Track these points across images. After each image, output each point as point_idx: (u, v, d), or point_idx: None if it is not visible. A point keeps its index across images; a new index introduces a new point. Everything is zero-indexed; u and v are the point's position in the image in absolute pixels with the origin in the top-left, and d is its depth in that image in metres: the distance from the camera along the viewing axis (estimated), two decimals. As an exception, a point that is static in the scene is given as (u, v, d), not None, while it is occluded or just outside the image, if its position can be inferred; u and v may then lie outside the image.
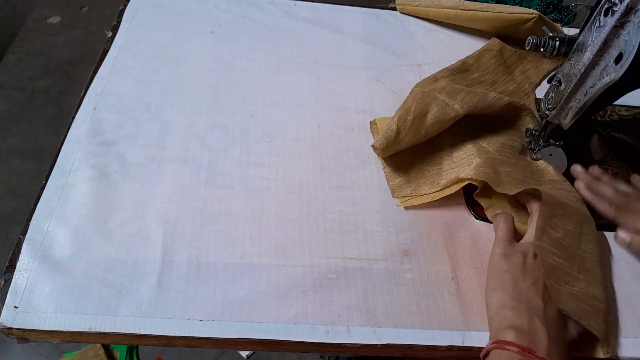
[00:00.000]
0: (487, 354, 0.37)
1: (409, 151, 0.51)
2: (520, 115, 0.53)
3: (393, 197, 0.49)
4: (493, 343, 0.36)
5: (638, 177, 0.51)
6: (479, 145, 0.51)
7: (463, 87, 0.51)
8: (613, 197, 0.47)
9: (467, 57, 0.58)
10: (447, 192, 0.48)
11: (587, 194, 0.48)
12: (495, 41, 0.58)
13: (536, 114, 0.53)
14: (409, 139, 0.49)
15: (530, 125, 0.52)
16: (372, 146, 0.51)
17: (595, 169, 0.51)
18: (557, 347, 0.36)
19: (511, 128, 0.53)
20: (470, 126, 0.53)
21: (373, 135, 0.54)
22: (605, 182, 0.49)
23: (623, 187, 0.49)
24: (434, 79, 0.54)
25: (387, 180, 0.50)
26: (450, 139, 0.52)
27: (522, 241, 0.43)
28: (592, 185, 0.49)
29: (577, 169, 0.51)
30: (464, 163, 0.49)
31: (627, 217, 0.46)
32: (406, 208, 0.48)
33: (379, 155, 0.52)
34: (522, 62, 0.58)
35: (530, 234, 0.43)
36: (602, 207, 0.47)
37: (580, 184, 0.49)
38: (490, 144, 0.51)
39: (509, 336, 0.35)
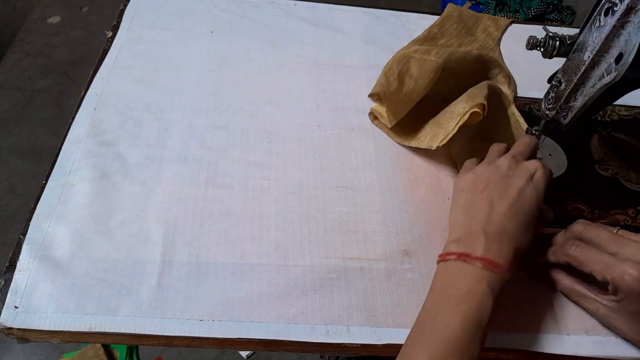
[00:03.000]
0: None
1: (406, 118, 0.54)
2: (489, 68, 0.57)
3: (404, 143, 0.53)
4: (438, 257, 0.39)
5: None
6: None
7: (435, 46, 0.56)
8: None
9: (430, 26, 0.63)
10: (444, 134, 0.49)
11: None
12: (452, 6, 0.63)
13: (504, 66, 0.57)
14: (399, 93, 0.53)
15: (500, 76, 0.57)
16: (369, 95, 0.58)
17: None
18: (496, 244, 0.36)
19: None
20: (451, 95, 0.55)
21: (376, 121, 0.56)
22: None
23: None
24: (406, 49, 0.57)
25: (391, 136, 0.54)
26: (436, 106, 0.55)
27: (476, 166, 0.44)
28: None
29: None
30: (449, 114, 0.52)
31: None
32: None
33: (375, 117, 0.56)
34: (481, 21, 0.64)
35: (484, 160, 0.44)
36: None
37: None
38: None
39: (451, 248, 0.38)
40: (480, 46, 0.61)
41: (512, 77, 0.57)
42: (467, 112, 0.47)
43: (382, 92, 0.53)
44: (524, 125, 0.53)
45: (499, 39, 0.62)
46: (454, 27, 0.62)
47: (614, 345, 0.41)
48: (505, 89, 0.56)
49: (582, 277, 0.41)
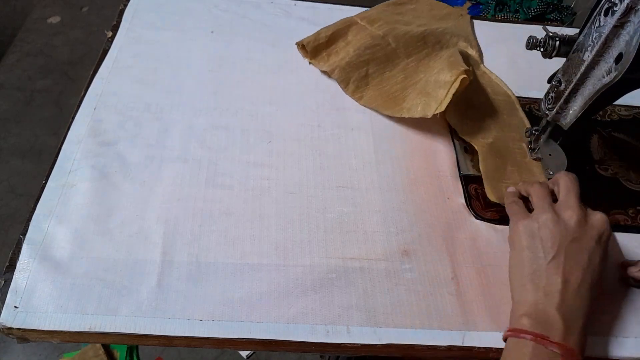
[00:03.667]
0: (505, 340, 0.37)
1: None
2: (446, 39, 0.60)
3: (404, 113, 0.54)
4: (508, 331, 0.36)
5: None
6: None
7: (385, 17, 0.60)
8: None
9: None
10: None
11: None
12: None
13: (462, 33, 0.62)
14: (322, 50, 0.59)
15: (461, 41, 0.60)
16: (297, 44, 0.62)
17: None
18: (573, 329, 0.34)
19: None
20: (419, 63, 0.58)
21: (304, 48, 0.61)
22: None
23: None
24: (362, 13, 0.62)
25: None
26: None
27: (534, 212, 0.40)
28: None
29: None
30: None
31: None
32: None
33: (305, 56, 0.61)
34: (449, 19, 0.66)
35: (538, 205, 0.41)
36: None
37: None
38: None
39: (524, 323, 0.35)
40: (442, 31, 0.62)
41: (474, 38, 0.61)
42: (456, 79, 0.49)
43: (306, 43, 0.60)
44: (502, 85, 0.57)
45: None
46: (426, 10, 0.65)
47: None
48: (470, 50, 0.60)
49: None
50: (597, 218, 0.39)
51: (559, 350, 0.33)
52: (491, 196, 0.48)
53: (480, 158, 0.50)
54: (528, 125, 0.54)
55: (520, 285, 0.38)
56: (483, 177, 0.49)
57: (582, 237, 0.37)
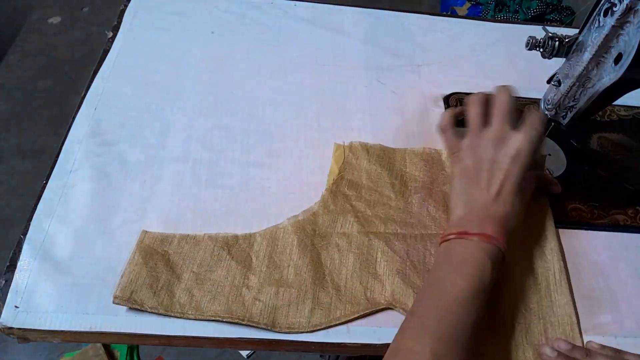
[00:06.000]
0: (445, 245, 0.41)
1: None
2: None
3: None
4: (440, 240, 0.41)
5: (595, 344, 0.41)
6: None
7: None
8: None
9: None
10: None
11: None
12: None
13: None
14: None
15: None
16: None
17: (593, 344, 0.41)
18: (490, 222, 0.39)
19: None
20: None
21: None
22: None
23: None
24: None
25: None
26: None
27: (463, 140, 0.45)
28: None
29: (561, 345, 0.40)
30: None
31: None
32: None
33: None
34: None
35: (469, 128, 0.45)
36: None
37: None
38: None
39: (451, 229, 0.40)
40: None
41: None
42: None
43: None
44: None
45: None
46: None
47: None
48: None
49: None
50: (515, 138, 0.42)
51: (478, 237, 0.38)
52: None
53: None
54: None
55: (454, 205, 0.43)
56: None
57: (498, 156, 0.42)
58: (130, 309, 0.39)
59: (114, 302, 0.38)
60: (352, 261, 0.43)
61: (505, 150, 0.42)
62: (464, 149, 0.44)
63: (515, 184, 0.41)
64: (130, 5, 0.65)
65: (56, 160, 0.48)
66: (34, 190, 0.45)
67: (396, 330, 0.36)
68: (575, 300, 0.43)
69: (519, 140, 0.42)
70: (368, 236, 0.44)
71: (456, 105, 0.58)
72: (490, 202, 0.41)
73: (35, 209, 0.44)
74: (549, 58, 0.46)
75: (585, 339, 0.41)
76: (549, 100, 0.48)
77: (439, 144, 0.54)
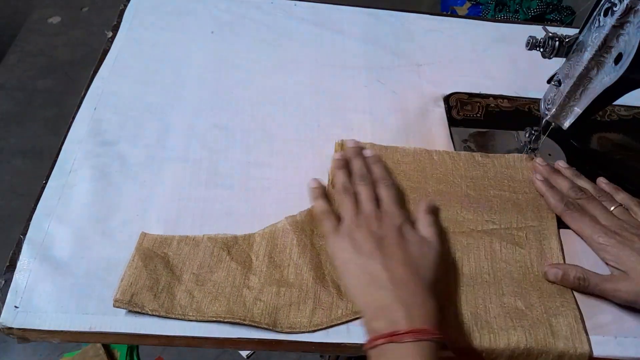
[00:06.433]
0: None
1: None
2: None
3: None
4: (367, 343, 0.35)
5: (604, 179, 0.49)
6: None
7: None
8: (567, 192, 0.46)
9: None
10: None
11: (540, 186, 0.47)
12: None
13: None
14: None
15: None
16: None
17: (561, 163, 0.49)
18: (416, 309, 0.34)
19: None
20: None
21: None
22: (563, 176, 0.48)
23: (582, 182, 0.48)
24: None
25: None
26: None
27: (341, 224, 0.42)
28: (549, 177, 0.48)
29: (538, 162, 0.49)
30: None
31: (572, 213, 0.45)
32: None
33: None
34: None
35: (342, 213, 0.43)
36: (552, 200, 0.46)
37: (536, 176, 0.48)
38: None
39: (375, 328, 0.34)
40: None
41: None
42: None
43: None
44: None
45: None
46: None
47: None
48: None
49: None
50: (385, 204, 0.41)
51: (411, 337, 0.32)
52: None
53: None
54: None
55: (359, 294, 0.37)
56: None
57: (382, 228, 0.40)
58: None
59: (114, 306, 0.38)
60: None
61: (389, 220, 0.40)
62: (345, 227, 0.41)
63: (417, 252, 0.39)
64: (130, 5, 0.65)
65: (56, 160, 0.48)
66: (34, 190, 0.45)
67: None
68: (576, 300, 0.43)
69: (393, 214, 0.41)
70: None
71: (456, 105, 0.58)
72: (401, 278, 0.36)
73: (35, 209, 0.44)
74: (549, 58, 0.46)
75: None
76: (549, 100, 0.48)
77: (439, 144, 0.54)
